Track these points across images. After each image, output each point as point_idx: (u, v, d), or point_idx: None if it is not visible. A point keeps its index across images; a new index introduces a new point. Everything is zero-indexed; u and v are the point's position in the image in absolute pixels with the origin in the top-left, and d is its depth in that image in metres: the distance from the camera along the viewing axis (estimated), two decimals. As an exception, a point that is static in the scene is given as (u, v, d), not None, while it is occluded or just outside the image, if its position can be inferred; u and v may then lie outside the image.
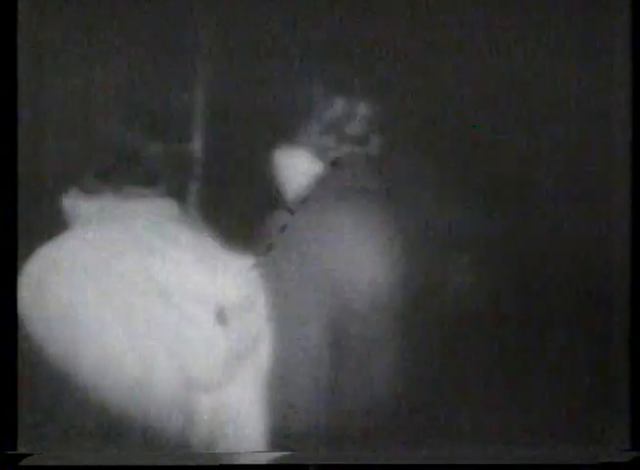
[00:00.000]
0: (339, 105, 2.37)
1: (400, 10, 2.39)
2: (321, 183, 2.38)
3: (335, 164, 2.36)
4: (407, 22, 2.39)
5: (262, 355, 2.36)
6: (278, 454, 2.36)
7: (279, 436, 2.34)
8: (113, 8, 2.36)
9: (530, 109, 2.39)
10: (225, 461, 2.34)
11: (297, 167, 2.37)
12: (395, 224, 2.37)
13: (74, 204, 2.33)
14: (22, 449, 2.33)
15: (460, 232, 2.38)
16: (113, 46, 2.36)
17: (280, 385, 2.36)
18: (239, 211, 2.35)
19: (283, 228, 2.36)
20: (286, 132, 2.37)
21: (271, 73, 2.36)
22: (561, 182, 2.39)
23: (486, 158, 2.39)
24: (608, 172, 2.41)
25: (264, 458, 2.36)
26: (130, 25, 2.36)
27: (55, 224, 2.33)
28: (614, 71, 2.41)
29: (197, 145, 2.35)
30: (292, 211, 2.37)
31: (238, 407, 2.34)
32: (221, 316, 2.33)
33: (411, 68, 2.38)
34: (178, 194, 2.34)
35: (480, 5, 2.40)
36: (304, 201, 2.37)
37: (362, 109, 2.37)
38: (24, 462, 2.32)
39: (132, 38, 2.36)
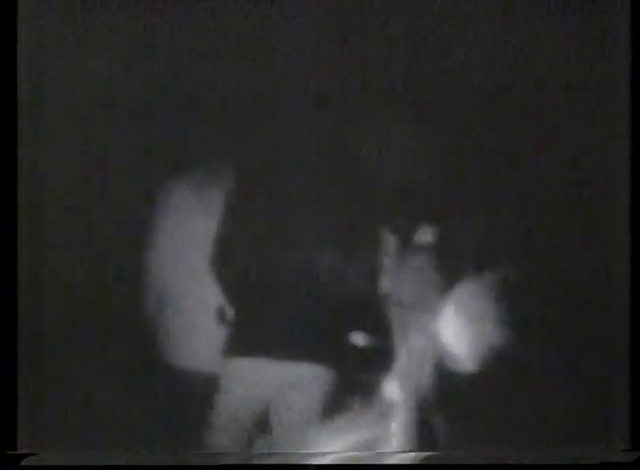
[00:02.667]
0: None
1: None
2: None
3: None
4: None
5: None
6: (278, 454, 2.36)
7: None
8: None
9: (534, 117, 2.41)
10: (225, 461, 2.34)
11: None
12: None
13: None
14: (22, 449, 2.34)
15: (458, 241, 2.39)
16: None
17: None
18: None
19: None
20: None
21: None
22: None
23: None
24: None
25: (265, 458, 2.36)
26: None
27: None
28: (613, 67, 2.41)
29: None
30: None
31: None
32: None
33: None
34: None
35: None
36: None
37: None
38: (25, 462, 2.32)
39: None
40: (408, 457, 2.36)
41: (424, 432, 2.38)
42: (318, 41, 2.39)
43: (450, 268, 2.39)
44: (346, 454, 2.36)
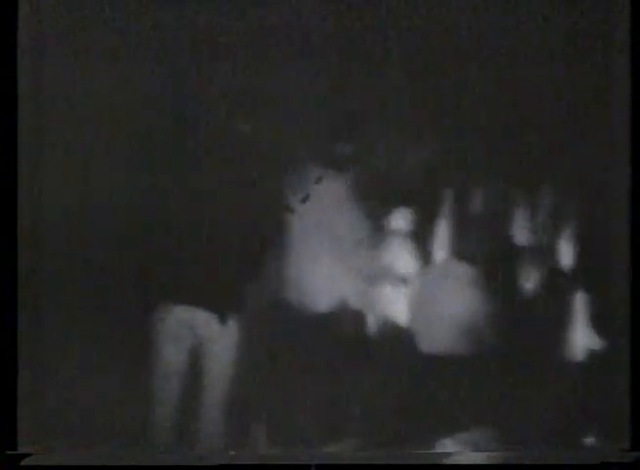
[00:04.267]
0: None
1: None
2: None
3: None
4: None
5: None
6: (279, 453, 2.36)
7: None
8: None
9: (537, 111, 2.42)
10: (225, 461, 2.34)
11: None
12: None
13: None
14: (22, 449, 2.34)
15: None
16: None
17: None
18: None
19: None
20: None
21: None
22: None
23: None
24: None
25: (265, 457, 2.36)
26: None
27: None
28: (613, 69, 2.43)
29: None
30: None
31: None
32: None
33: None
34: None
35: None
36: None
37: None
38: (25, 462, 2.32)
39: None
40: (407, 457, 2.36)
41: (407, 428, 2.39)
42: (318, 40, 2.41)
43: (426, 254, 2.41)
44: (346, 454, 2.36)
